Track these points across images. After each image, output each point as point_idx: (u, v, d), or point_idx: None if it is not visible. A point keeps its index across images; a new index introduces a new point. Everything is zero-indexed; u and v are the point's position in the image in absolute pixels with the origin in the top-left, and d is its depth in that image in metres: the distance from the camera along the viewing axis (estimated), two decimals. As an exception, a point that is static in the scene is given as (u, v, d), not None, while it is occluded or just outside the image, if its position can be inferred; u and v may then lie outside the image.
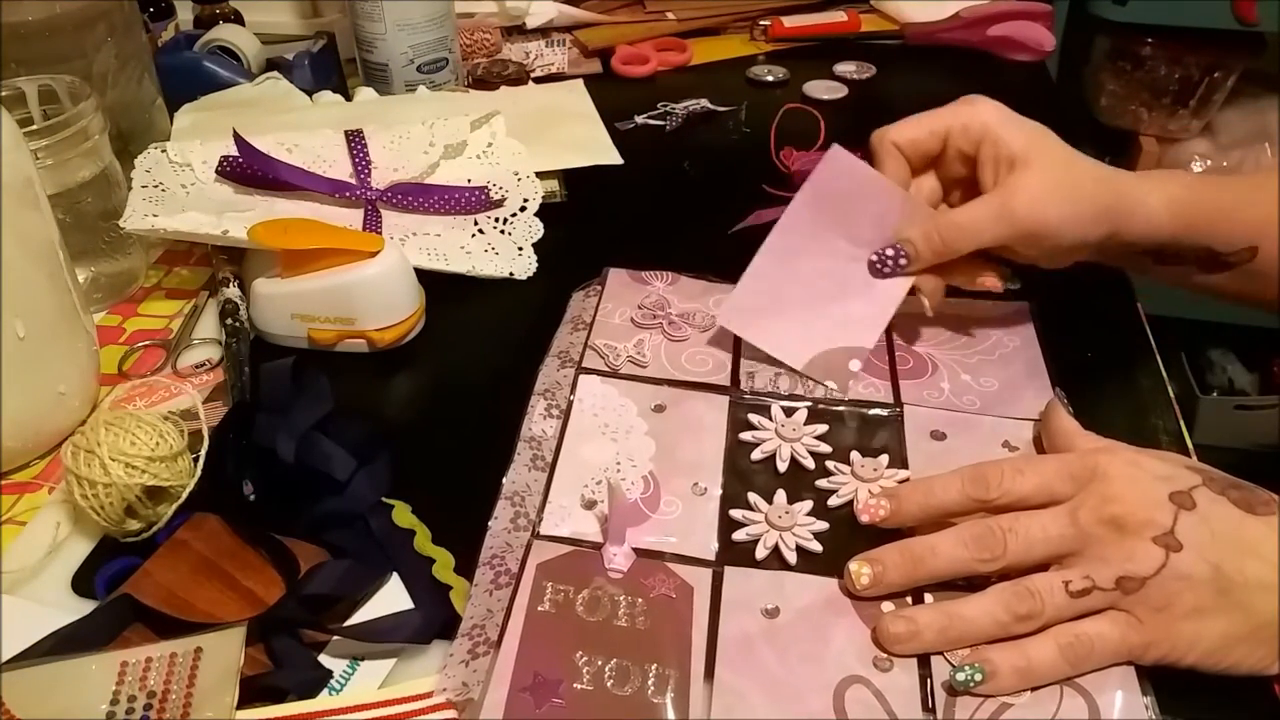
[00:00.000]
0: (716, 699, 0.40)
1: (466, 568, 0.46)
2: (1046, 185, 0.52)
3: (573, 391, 0.54)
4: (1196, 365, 1.59)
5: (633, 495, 0.49)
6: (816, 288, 0.56)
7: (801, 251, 0.56)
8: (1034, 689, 0.40)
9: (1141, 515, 0.41)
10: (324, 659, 0.43)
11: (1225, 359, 1.61)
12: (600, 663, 0.41)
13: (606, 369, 0.56)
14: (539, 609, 0.43)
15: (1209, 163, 1.44)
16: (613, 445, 0.52)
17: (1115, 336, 0.60)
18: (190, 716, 0.39)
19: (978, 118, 0.55)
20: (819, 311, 0.56)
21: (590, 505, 0.48)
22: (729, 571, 0.45)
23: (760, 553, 0.46)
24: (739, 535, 0.47)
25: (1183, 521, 0.41)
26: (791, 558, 0.46)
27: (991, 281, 0.56)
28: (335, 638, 0.44)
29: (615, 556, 0.45)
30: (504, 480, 0.49)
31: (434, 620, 0.44)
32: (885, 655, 0.42)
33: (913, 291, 0.56)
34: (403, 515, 0.49)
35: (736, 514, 0.48)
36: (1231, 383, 1.58)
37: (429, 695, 0.40)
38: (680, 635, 0.42)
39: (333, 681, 0.42)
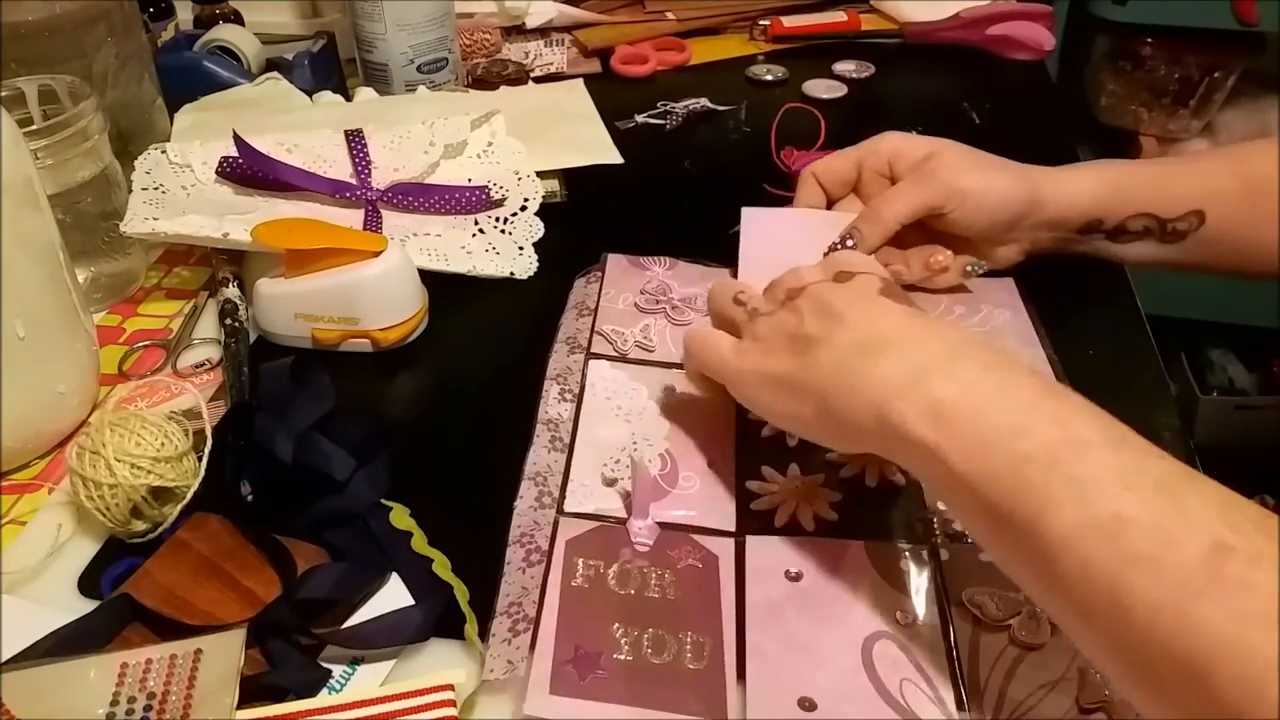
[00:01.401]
0: (751, 662, 0.42)
1: (467, 567, 0.46)
2: (962, 160, 0.59)
3: (584, 377, 0.56)
4: (1196, 365, 1.59)
5: (652, 471, 0.50)
6: None
7: (765, 280, 0.58)
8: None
9: (802, 273, 0.47)
10: (324, 659, 0.43)
11: (1225, 359, 1.61)
12: (637, 633, 0.43)
13: (615, 354, 0.58)
14: (572, 584, 0.45)
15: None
16: (627, 426, 0.54)
17: (1116, 336, 0.60)
18: (190, 718, 0.39)
19: (885, 142, 0.62)
20: None
21: (611, 483, 0.50)
22: (750, 540, 0.47)
23: (780, 519, 0.48)
24: (757, 505, 0.49)
25: (819, 287, 0.45)
26: (809, 524, 0.48)
27: (943, 257, 0.60)
28: (339, 629, 0.43)
29: (641, 530, 0.47)
30: (526, 462, 0.50)
31: (432, 616, 0.44)
32: (906, 610, 0.44)
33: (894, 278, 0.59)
34: (400, 518, 0.49)
35: (753, 485, 0.50)
36: (1231, 383, 1.58)
37: (429, 691, 0.40)
38: (710, 603, 0.44)
39: (333, 680, 0.42)
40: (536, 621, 0.43)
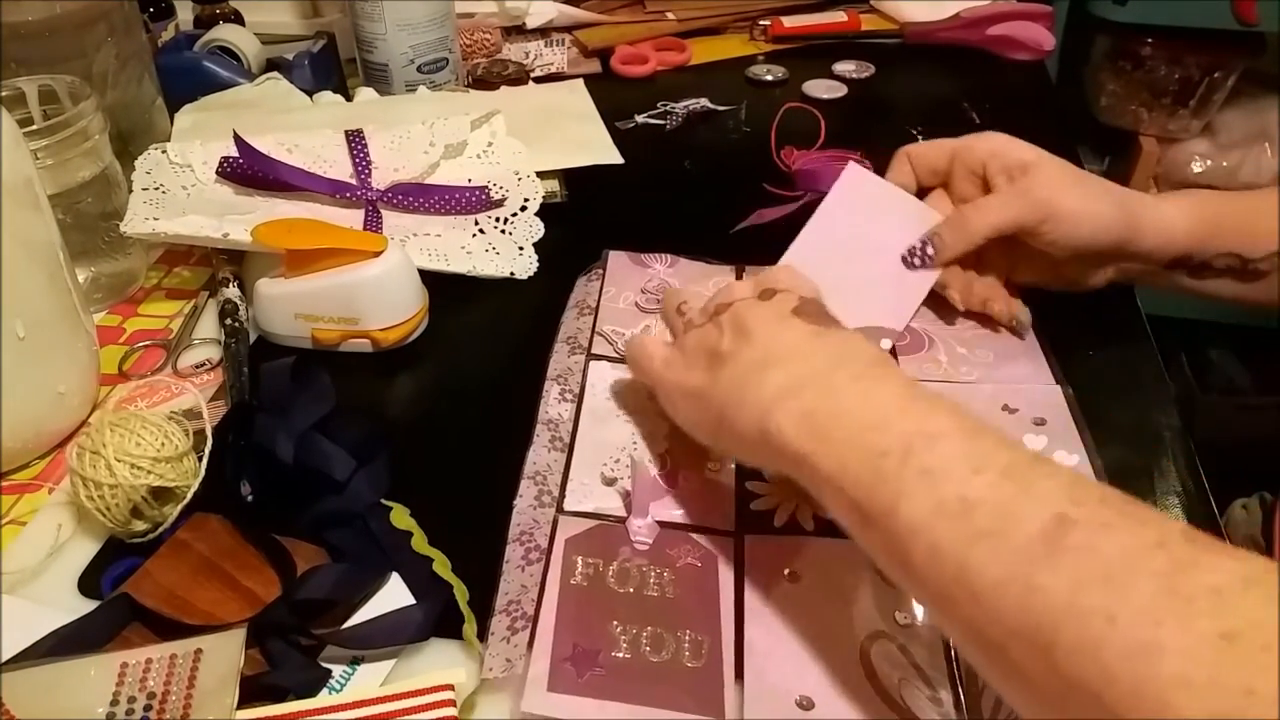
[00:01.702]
0: (749, 661, 0.42)
1: (466, 567, 0.46)
2: (1062, 177, 0.56)
3: (584, 377, 0.56)
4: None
5: (651, 471, 0.50)
6: (848, 276, 0.58)
7: (833, 244, 0.59)
8: None
9: (735, 289, 0.47)
10: (324, 659, 0.43)
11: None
12: (635, 631, 0.43)
13: (615, 355, 0.58)
14: (571, 582, 0.45)
15: (1209, 163, 1.44)
16: (627, 426, 0.54)
17: (1116, 336, 0.60)
18: (190, 717, 0.39)
19: (985, 140, 0.59)
20: (851, 295, 0.58)
21: (610, 482, 0.50)
22: (749, 539, 0.47)
23: (780, 519, 0.48)
24: (757, 504, 0.49)
25: (741, 304, 0.46)
26: (809, 524, 0.48)
27: (999, 309, 0.59)
28: (338, 630, 0.43)
29: (640, 529, 0.47)
30: (526, 461, 0.51)
31: (432, 616, 0.44)
32: (906, 610, 0.43)
33: (940, 289, 0.60)
34: (400, 517, 0.49)
35: (753, 485, 0.50)
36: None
37: (429, 690, 0.40)
38: (709, 602, 0.45)
39: (333, 680, 0.42)
40: (535, 619, 0.43)
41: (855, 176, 0.60)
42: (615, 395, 0.55)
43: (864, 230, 0.59)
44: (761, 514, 0.49)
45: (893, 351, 0.58)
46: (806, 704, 0.40)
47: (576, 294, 0.64)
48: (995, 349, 0.59)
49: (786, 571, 0.46)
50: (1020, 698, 0.33)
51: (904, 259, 0.59)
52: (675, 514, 0.49)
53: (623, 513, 0.49)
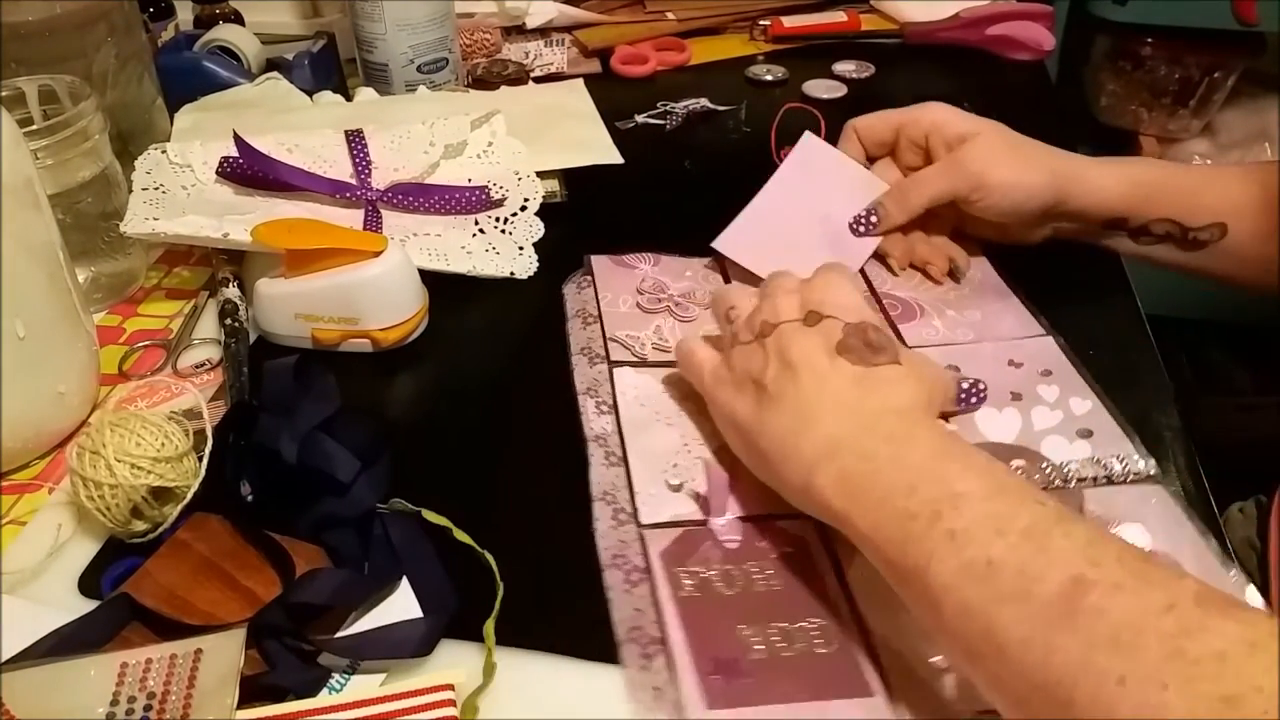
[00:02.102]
0: (875, 636, 0.43)
1: (465, 566, 0.46)
2: (994, 147, 0.60)
3: (613, 386, 0.56)
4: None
5: (722, 470, 0.49)
6: (800, 236, 0.64)
7: (786, 208, 0.65)
8: None
9: (778, 304, 0.48)
10: (324, 660, 0.43)
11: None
12: (761, 631, 0.43)
13: (635, 359, 0.58)
14: (682, 595, 0.45)
15: (1209, 163, 1.44)
16: (671, 429, 0.54)
17: (1116, 336, 0.60)
18: (190, 717, 0.39)
19: (927, 113, 0.63)
20: (803, 252, 0.61)
21: (676, 488, 0.50)
22: None
23: None
24: None
25: (786, 328, 0.47)
26: None
27: (936, 269, 0.63)
28: (336, 637, 0.43)
29: (726, 528, 0.48)
30: (590, 482, 0.50)
31: (437, 630, 0.43)
32: None
33: (882, 255, 0.65)
34: (432, 514, 0.48)
35: None
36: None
37: (429, 690, 0.40)
38: (815, 586, 0.45)
39: (333, 680, 0.42)
40: (664, 641, 0.43)
41: (810, 145, 0.66)
42: (647, 401, 0.55)
43: (816, 196, 0.64)
44: None
45: (890, 323, 0.61)
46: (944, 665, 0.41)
47: (572, 303, 0.63)
48: (981, 308, 0.62)
49: None
50: None
51: (850, 226, 0.64)
52: (750, 507, 0.48)
53: (699, 516, 0.48)
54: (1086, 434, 0.52)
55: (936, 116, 0.62)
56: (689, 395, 0.55)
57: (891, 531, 0.39)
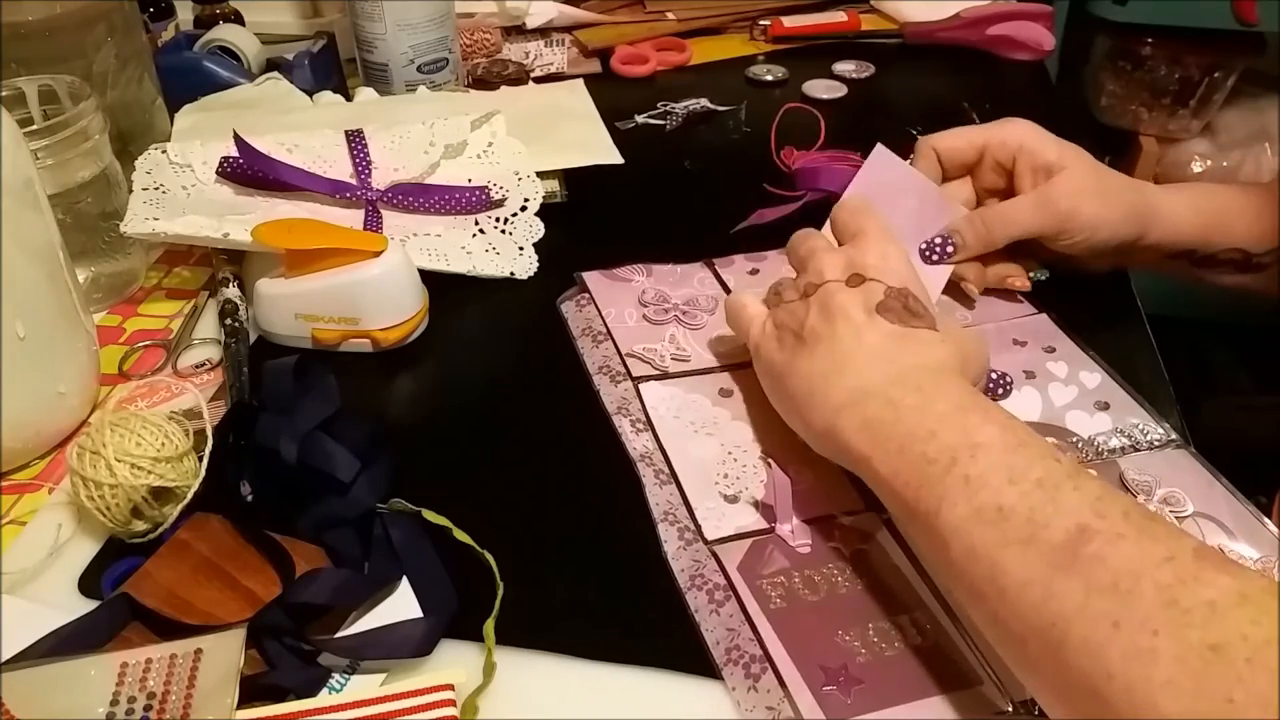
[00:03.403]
0: (968, 624, 0.42)
1: (463, 566, 0.46)
2: (1082, 185, 0.57)
3: (642, 403, 0.55)
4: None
5: (784, 475, 0.49)
6: None
7: None
8: None
9: (822, 265, 0.49)
10: (324, 660, 0.43)
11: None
12: (859, 633, 0.43)
13: (657, 372, 0.57)
14: (772, 608, 0.44)
15: (1209, 163, 1.44)
16: (711, 439, 0.53)
17: (1117, 337, 0.60)
18: (190, 717, 0.39)
19: (1015, 134, 0.60)
20: None
21: (733, 499, 0.49)
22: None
23: None
24: None
25: (830, 287, 0.47)
26: None
27: (1020, 282, 0.61)
28: (336, 637, 0.43)
29: (793, 533, 0.47)
30: (649, 503, 0.49)
31: (438, 631, 0.43)
32: None
33: (957, 280, 0.61)
34: (432, 514, 0.48)
35: None
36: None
37: (429, 690, 0.40)
38: (896, 580, 0.45)
39: (334, 680, 0.42)
40: (768, 659, 0.42)
41: (882, 159, 0.60)
42: (680, 413, 0.54)
43: (885, 215, 0.59)
44: None
45: None
46: None
47: (575, 321, 0.62)
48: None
49: None
50: (1036, 688, 0.36)
51: (921, 252, 0.59)
52: (811, 509, 0.48)
53: (762, 524, 0.48)
54: (1104, 406, 0.54)
55: (1025, 139, 0.59)
56: (719, 401, 0.55)
57: (909, 475, 0.40)
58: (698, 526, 0.48)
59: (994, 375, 0.53)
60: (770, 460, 0.49)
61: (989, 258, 0.61)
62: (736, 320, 0.54)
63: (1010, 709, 0.40)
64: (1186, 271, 0.61)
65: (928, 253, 0.59)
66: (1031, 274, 0.61)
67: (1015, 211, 0.58)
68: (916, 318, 0.46)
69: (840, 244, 0.52)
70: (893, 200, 0.59)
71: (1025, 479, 0.37)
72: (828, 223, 0.54)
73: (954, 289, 0.61)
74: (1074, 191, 0.57)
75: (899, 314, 0.46)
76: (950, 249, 0.59)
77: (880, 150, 0.61)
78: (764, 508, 0.48)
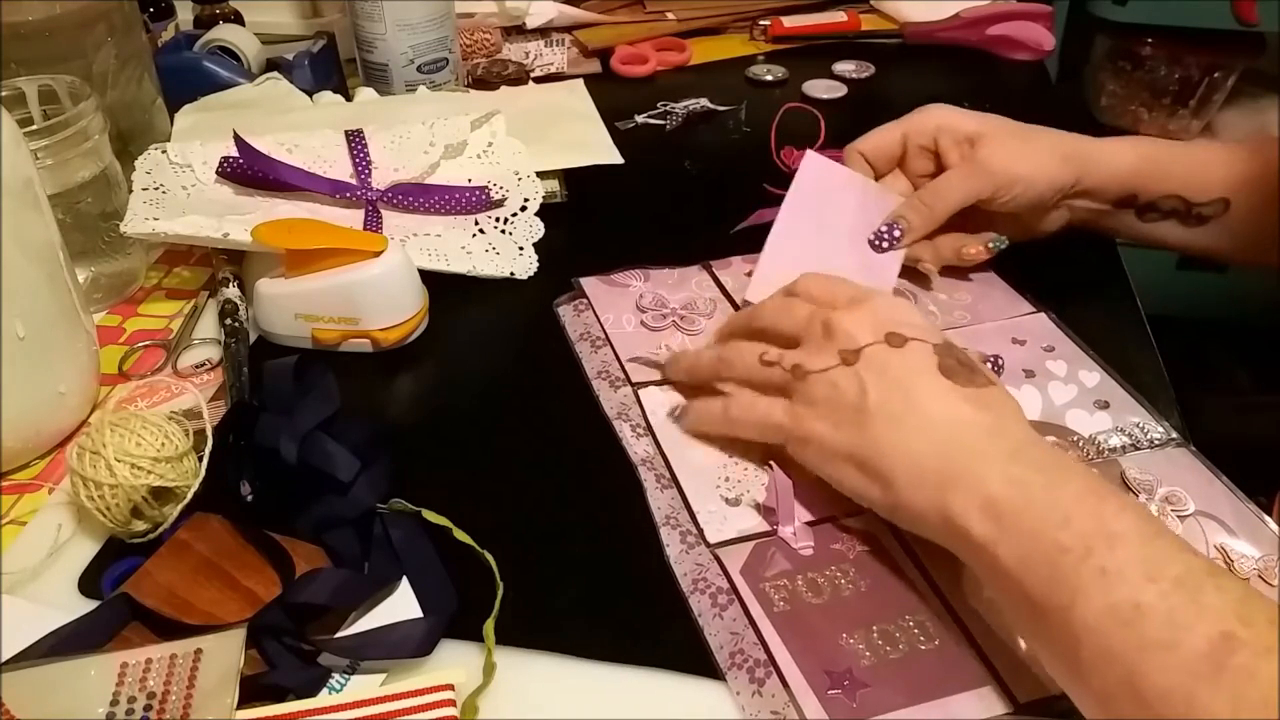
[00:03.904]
0: (971, 625, 0.42)
1: (463, 566, 0.46)
2: (1008, 142, 0.59)
3: (642, 408, 0.55)
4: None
5: (786, 477, 0.49)
6: (828, 263, 0.58)
7: (803, 236, 0.61)
8: None
9: (849, 328, 0.46)
10: (324, 660, 0.43)
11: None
12: (863, 635, 0.42)
13: (657, 378, 0.57)
14: (775, 611, 0.44)
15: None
16: (710, 443, 0.52)
17: (1116, 337, 0.60)
18: (190, 717, 0.39)
19: (931, 116, 0.62)
20: None
21: (735, 502, 0.49)
22: None
23: None
24: None
25: (875, 351, 0.45)
26: None
27: (975, 250, 0.61)
28: (336, 637, 0.43)
29: (795, 535, 0.47)
30: (650, 508, 0.49)
31: (438, 631, 0.43)
32: None
33: (912, 263, 0.62)
34: (432, 514, 0.48)
35: None
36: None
37: (429, 690, 0.40)
38: (901, 581, 0.45)
39: (334, 680, 0.42)
40: (772, 662, 0.42)
41: (813, 165, 0.63)
42: (678, 419, 0.54)
43: (829, 217, 0.61)
44: None
45: None
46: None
47: (573, 326, 0.61)
48: (970, 290, 0.62)
49: None
50: None
51: (871, 243, 0.61)
52: (813, 511, 0.48)
53: (764, 527, 0.48)
54: (1104, 405, 0.54)
55: (942, 119, 0.61)
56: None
57: (1039, 564, 0.38)
58: (700, 530, 0.48)
59: (988, 357, 0.54)
60: (771, 462, 0.48)
61: (939, 236, 0.62)
62: (748, 421, 0.49)
63: (1015, 711, 0.40)
64: (1133, 228, 0.62)
65: (877, 242, 0.61)
66: (990, 244, 0.61)
67: (951, 182, 0.60)
68: (975, 372, 0.44)
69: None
70: (834, 202, 0.62)
71: (1164, 576, 0.35)
72: (773, 295, 0.53)
73: (912, 273, 0.63)
74: (1001, 149, 0.59)
75: (961, 374, 0.44)
76: (898, 233, 0.60)
77: (810, 156, 0.63)
78: (766, 510, 0.48)
